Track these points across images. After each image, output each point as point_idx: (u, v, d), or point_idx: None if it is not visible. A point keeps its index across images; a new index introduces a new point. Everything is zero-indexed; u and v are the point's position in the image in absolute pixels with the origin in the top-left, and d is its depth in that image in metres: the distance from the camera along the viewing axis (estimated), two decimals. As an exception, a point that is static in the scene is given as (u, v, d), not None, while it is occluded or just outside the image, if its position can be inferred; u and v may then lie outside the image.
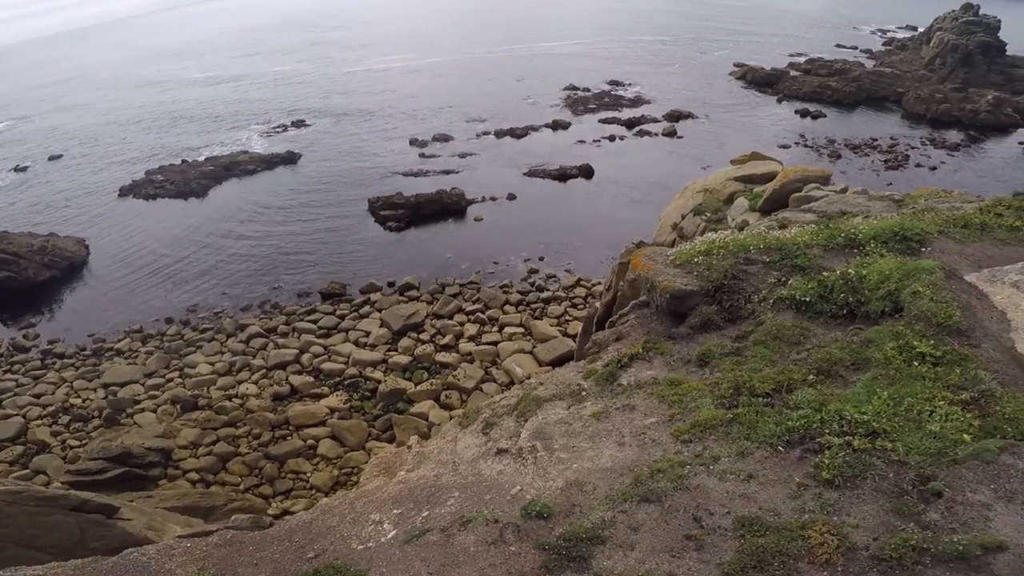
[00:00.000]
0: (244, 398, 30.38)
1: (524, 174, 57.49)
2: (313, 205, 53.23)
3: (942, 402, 7.52)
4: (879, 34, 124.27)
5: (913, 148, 63.23)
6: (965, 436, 6.92)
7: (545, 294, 38.14)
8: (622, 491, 6.75)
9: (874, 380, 8.17)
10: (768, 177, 27.83)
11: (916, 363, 8.32)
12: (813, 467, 6.53)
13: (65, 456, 27.46)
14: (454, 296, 38.06)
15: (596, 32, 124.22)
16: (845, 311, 10.11)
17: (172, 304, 39.43)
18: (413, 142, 66.28)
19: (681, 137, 67.01)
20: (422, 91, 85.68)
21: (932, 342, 8.58)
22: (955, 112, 71.26)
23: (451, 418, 25.55)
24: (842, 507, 5.98)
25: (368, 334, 34.63)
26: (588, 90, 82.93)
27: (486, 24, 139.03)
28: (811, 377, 8.54)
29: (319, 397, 30.42)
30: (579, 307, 36.36)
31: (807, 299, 10.42)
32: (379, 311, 36.81)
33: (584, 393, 9.71)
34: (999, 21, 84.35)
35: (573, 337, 31.54)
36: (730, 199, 28.93)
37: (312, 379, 31.55)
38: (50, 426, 29.34)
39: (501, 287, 38.95)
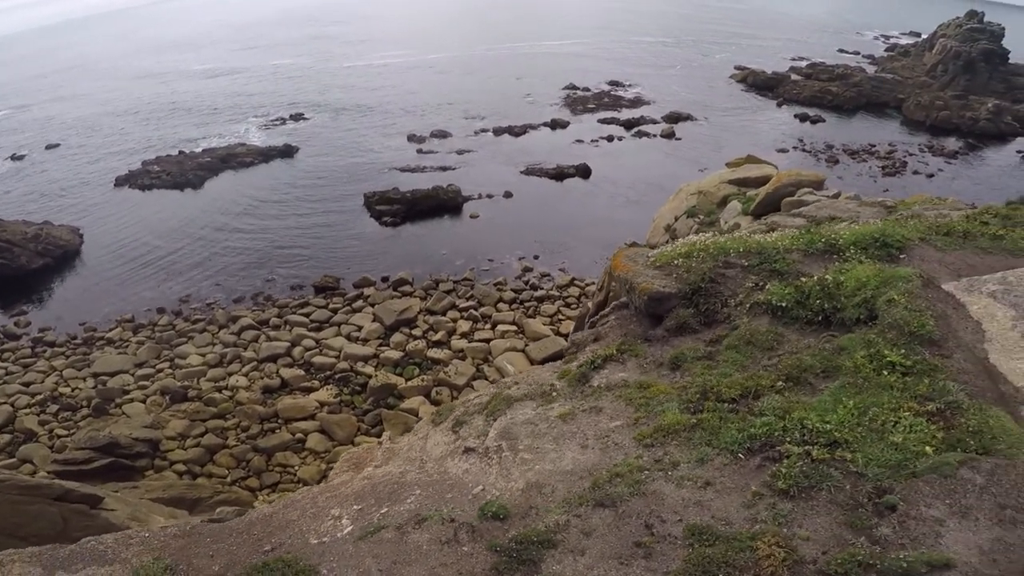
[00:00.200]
0: (234, 390, 30.37)
1: (521, 172, 57.47)
2: (309, 199, 53.21)
3: (907, 413, 7.40)
4: (882, 39, 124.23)
5: (911, 155, 63.22)
6: (927, 448, 6.79)
7: (539, 293, 38.16)
8: (579, 495, 6.72)
9: (842, 388, 8.09)
10: (762, 181, 27.79)
11: (886, 372, 8.20)
12: (770, 476, 6.47)
13: (52, 445, 27.45)
14: (448, 292, 38.07)
15: (597, 32, 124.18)
16: (821, 317, 10.03)
17: (165, 294, 39.44)
18: (411, 138, 66.21)
19: (679, 139, 66.98)
20: (421, 87, 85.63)
21: (903, 351, 8.48)
22: (955, 119, 71.22)
23: (438, 415, 25.48)
24: (795, 518, 5.92)
25: (360, 328, 34.63)
26: (588, 90, 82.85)
27: (487, 22, 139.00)
28: (780, 384, 8.45)
29: (309, 391, 30.42)
30: (572, 306, 36.37)
31: (783, 304, 10.33)
32: (372, 306, 36.82)
33: (555, 394, 9.67)
34: (1003, 29, 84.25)
35: (565, 336, 31.54)
36: (724, 202, 28.87)
37: (303, 372, 31.56)
38: (38, 415, 29.34)
39: (495, 284, 38.97)
